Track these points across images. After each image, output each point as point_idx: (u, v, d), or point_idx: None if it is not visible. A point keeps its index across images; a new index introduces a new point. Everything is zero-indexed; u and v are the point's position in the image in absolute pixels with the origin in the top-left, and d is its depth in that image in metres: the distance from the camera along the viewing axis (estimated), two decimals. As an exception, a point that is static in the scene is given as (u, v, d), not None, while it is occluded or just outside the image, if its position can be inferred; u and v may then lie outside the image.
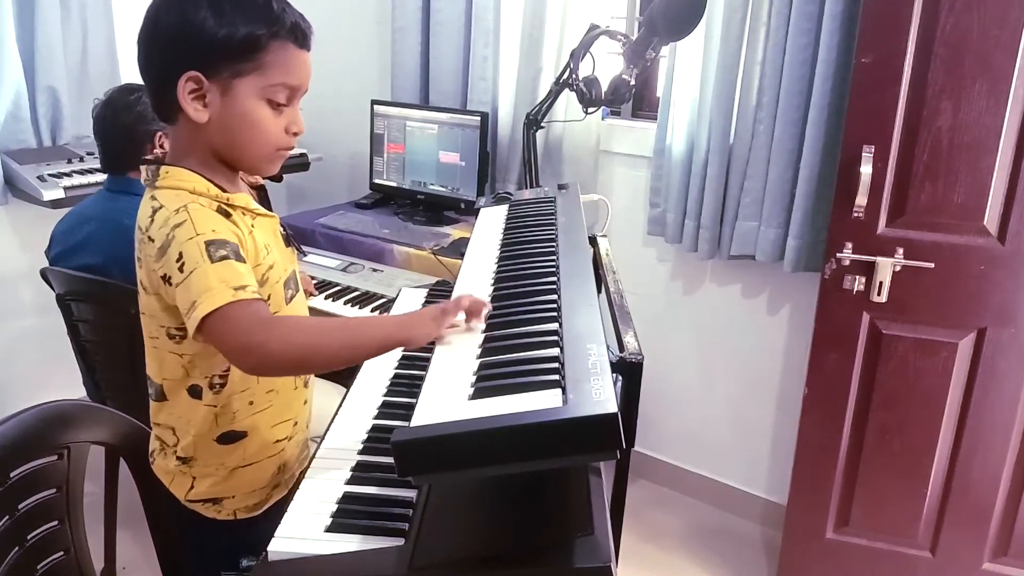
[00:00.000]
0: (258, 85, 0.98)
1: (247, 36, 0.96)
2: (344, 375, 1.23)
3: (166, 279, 0.96)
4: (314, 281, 2.15)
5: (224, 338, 0.92)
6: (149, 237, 0.98)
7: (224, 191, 1.03)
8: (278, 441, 1.15)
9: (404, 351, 1.30)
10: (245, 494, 1.14)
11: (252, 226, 1.05)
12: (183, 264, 0.93)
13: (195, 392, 1.07)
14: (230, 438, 1.10)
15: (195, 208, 0.97)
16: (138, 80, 1.07)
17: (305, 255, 1.58)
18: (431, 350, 0.99)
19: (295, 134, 1.04)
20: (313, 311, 1.90)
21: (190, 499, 1.13)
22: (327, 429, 1.13)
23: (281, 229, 1.13)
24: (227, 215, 1.01)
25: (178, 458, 1.12)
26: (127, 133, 1.63)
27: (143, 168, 1.04)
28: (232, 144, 1.01)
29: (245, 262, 0.97)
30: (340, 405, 1.20)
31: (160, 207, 0.98)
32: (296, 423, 1.17)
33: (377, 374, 1.29)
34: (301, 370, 1.11)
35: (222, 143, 1.01)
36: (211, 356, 1.05)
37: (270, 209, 1.14)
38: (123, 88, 1.70)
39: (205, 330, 0.92)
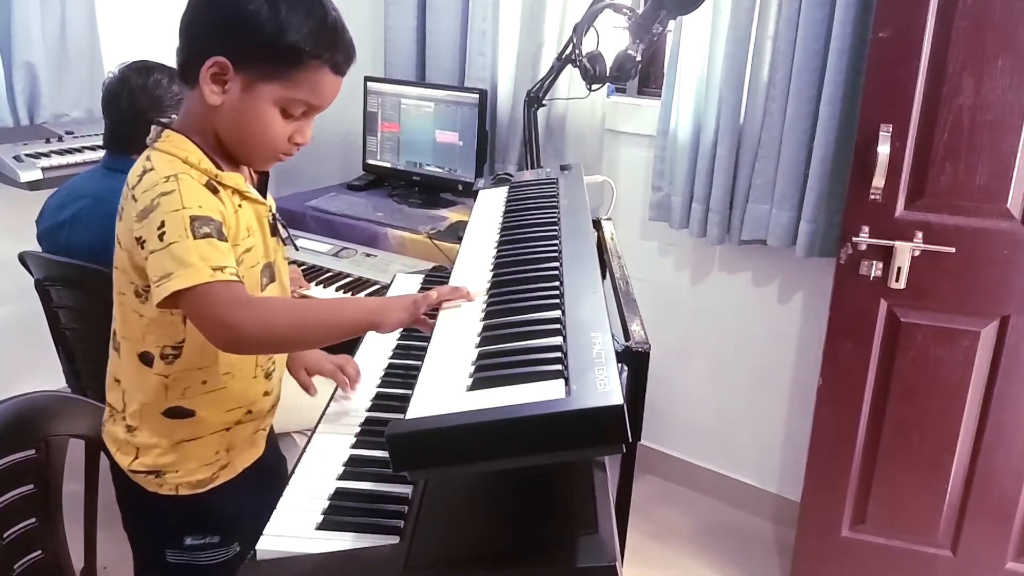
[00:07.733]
0: (281, 94, 0.99)
1: (290, 46, 0.96)
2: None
3: (140, 241, 0.96)
4: (304, 267, 2.09)
5: (201, 313, 0.93)
6: (133, 196, 0.98)
7: (218, 167, 1.03)
8: (228, 428, 1.13)
9: (400, 339, 1.32)
10: (189, 469, 1.11)
11: (239, 206, 1.05)
12: (164, 233, 0.93)
13: (146, 359, 1.06)
14: (177, 413, 1.08)
15: (185, 180, 0.97)
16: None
17: (296, 248, 1.54)
18: (428, 339, 0.96)
19: (298, 144, 1.04)
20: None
21: (133, 469, 1.10)
22: (318, 421, 1.12)
23: (271, 217, 1.12)
24: (215, 191, 1.01)
25: (126, 426, 1.10)
26: (140, 116, 1.55)
27: (152, 127, 1.05)
28: (235, 135, 1.02)
29: (227, 241, 0.97)
30: (331, 396, 1.19)
31: (151, 169, 0.99)
32: (251, 411, 1.15)
33: (371, 363, 1.25)
34: (275, 349, 1.12)
35: (226, 129, 1.02)
36: (167, 326, 1.04)
37: (266, 194, 1.13)
38: (140, 67, 1.61)
39: (182, 303, 0.93)
